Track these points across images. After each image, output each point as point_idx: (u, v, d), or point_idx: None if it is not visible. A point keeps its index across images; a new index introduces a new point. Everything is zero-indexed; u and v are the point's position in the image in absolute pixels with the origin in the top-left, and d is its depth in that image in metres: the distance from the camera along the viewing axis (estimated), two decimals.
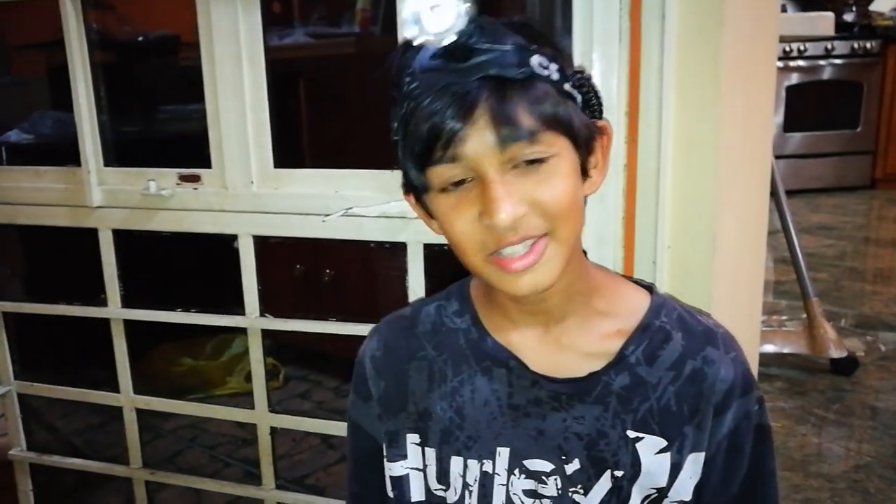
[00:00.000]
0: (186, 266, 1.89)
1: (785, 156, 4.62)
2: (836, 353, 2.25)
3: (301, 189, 1.13)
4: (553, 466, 0.71)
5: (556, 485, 0.72)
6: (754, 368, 0.95)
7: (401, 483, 0.78)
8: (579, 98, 0.67)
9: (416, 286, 1.10)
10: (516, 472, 0.73)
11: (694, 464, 0.70)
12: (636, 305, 0.73)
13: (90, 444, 1.90)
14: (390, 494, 0.79)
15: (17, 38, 2.31)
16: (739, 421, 0.71)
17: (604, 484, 0.71)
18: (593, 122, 0.69)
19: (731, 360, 0.71)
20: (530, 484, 0.72)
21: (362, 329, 1.11)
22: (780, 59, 4.43)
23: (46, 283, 2.02)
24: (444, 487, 0.76)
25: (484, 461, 0.73)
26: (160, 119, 2.31)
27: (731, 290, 1.04)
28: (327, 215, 1.10)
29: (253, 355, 1.24)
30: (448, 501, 0.76)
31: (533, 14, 1.47)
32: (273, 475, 1.29)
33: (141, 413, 1.35)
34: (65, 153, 1.27)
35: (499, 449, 0.73)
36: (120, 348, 1.32)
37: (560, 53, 0.66)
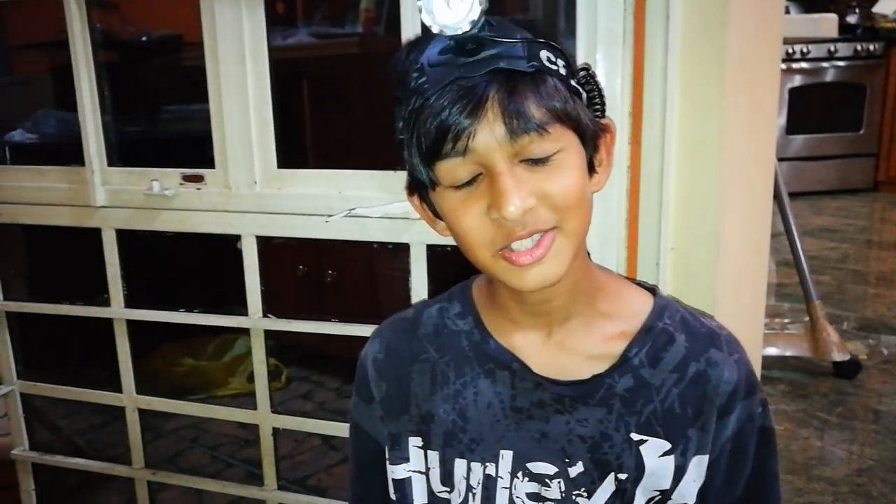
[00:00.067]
0: (189, 266, 1.89)
1: (788, 158, 4.62)
2: (838, 357, 2.24)
3: (304, 189, 1.13)
4: (556, 469, 0.71)
5: (560, 488, 0.71)
6: (757, 371, 0.95)
7: (403, 486, 0.78)
8: (584, 95, 0.68)
9: (418, 287, 1.10)
10: (519, 475, 0.72)
11: (698, 466, 0.70)
12: (639, 307, 0.73)
13: (92, 444, 1.90)
14: (392, 497, 0.79)
15: (20, 37, 2.31)
16: (743, 423, 0.70)
17: (607, 487, 0.71)
18: (598, 120, 0.69)
19: (734, 362, 0.70)
20: (533, 487, 0.72)
21: (365, 330, 1.11)
22: (782, 60, 4.43)
23: (49, 282, 2.02)
24: (448, 490, 0.76)
25: (487, 464, 0.73)
26: (164, 119, 2.31)
27: (734, 291, 1.04)
28: (330, 216, 1.10)
29: (256, 356, 1.24)
30: (452, 503, 0.75)
31: (536, 15, 1.47)
32: (275, 476, 1.29)
33: (143, 413, 1.35)
34: (68, 153, 1.27)
35: (502, 452, 0.73)
36: (123, 348, 1.32)
37: (566, 52, 0.67)
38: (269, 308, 1.21)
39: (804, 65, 4.64)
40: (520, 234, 0.63)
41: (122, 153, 1.28)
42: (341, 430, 1.20)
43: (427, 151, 0.63)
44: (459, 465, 0.74)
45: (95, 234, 1.27)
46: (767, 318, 2.55)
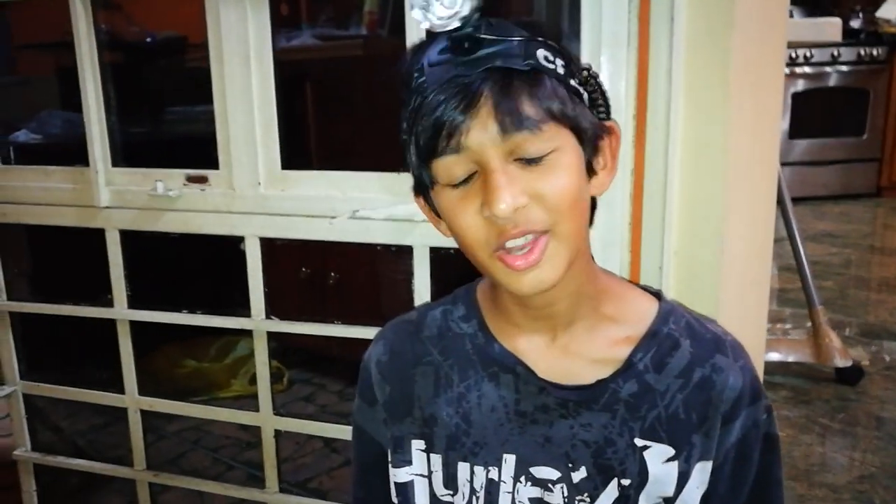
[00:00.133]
0: (193, 267, 1.89)
1: (790, 163, 4.61)
2: (841, 363, 2.24)
3: (308, 191, 1.13)
4: (560, 474, 0.71)
5: (563, 493, 0.71)
6: (760, 376, 0.94)
7: (405, 489, 0.77)
8: (585, 96, 0.67)
9: (421, 290, 1.10)
10: (522, 479, 0.72)
11: (701, 472, 0.70)
12: (644, 312, 0.73)
13: (94, 445, 1.90)
14: (395, 500, 0.79)
15: (25, 37, 2.31)
16: (748, 430, 0.70)
17: (610, 492, 0.70)
18: (600, 122, 0.69)
19: (739, 368, 0.70)
20: (536, 492, 0.72)
21: (368, 332, 1.10)
22: (786, 65, 4.42)
23: (53, 283, 2.02)
24: (450, 493, 0.75)
25: (490, 468, 0.73)
26: (168, 120, 2.31)
27: (738, 295, 1.03)
28: (334, 217, 1.10)
29: (258, 357, 1.23)
30: None
31: (540, 17, 1.47)
32: (277, 478, 1.28)
33: (145, 414, 1.35)
34: (73, 153, 1.27)
35: (505, 456, 0.72)
36: (125, 349, 1.32)
37: (566, 52, 0.67)
38: (272, 310, 1.21)
39: (807, 69, 4.64)
40: (512, 233, 0.63)
41: (127, 154, 1.28)
42: (343, 432, 1.20)
43: (424, 148, 0.63)
44: (462, 469, 0.74)
45: (99, 234, 1.27)
46: (769, 323, 2.54)
